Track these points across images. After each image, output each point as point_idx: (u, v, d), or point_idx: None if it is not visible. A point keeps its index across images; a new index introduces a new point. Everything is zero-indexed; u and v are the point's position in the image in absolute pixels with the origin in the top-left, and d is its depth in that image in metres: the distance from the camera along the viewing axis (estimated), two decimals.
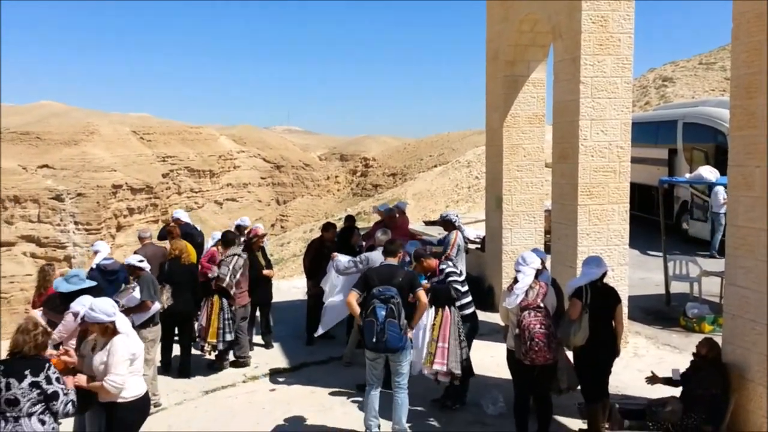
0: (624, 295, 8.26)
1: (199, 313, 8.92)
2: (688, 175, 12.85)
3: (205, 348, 8.89)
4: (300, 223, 50.81)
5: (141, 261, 7.89)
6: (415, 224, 15.92)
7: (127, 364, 5.09)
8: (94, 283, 6.83)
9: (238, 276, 8.90)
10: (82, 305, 5.55)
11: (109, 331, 5.11)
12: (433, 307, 6.89)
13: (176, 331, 9.11)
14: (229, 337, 8.76)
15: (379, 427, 6.54)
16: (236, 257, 8.98)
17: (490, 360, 8.38)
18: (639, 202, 17.19)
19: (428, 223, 13.61)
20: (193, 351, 9.11)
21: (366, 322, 6.18)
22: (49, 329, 5.30)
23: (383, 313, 6.06)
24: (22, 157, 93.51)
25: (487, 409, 7.21)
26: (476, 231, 14.19)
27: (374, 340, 6.11)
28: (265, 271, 9.89)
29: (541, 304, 5.99)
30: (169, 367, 9.10)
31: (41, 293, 7.93)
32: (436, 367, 6.77)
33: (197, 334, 8.89)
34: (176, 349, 9.12)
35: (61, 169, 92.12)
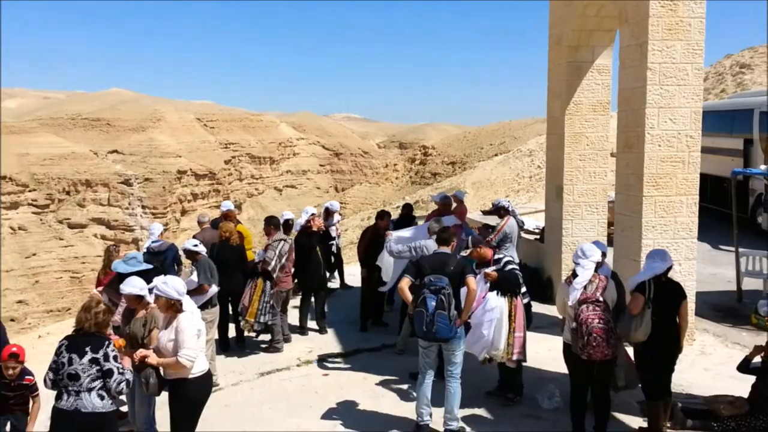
0: (691, 291, 7.93)
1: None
2: (763, 167, 12.28)
3: (243, 325, 9.06)
4: (358, 210, 50.95)
5: (196, 245, 8.09)
6: (473, 214, 15.70)
7: (196, 339, 5.21)
8: (150, 266, 7.09)
9: (283, 260, 9.08)
10: (133, 286, 5.70)
11: (174, 308, 5.22)
12: (505, 297, 6.74)
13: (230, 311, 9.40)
14: (263, 319, 8.93)
15: (430, 415, 6.48)
16: (282, 242, 9.14)
17: (547, 353, 8.19)
18: (711, 194, 16.53)
19: (486, 213, 13.39)
20: (246, 333, 9.31)
21: (416, 311, 6.14)
22: (112, 308, 5.44)
23: (433, 303, 6.00)
24: (93, 143, 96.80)
25: (543, 403, 7.05)
26: (536, 221, 13.92)
27: (424, 329, 6.08)
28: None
29: (601, 298, 5.80)
30: (227, 346, 9.34)
31: (107, 273, 8.28)
32: (515, 357, 6.70)
33: (239, 312, 9.07)
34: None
35: (130, 154, 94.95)
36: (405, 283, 6.34)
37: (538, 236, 12.41)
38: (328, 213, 12.54)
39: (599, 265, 6.10)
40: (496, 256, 7.05)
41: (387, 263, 9.07)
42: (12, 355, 5.67)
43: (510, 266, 6.91)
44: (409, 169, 64.79)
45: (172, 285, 5.21)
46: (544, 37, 11.27)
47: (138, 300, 5.75)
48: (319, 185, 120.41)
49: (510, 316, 6.70)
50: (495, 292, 6.75)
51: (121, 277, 6.71)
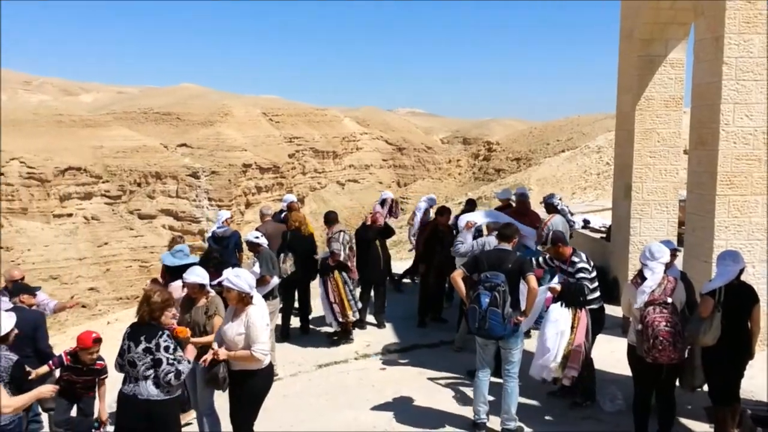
0: (764, 295, 7.57)
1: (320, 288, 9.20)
2: None
3: (347, 321, 9.12)
4: None
5: (258, 237, 8.22)
6: (536, 210, 15.40)
7: (267, 333, 5.27)
8: (196, 259, 7.21)
9: (347, 250, 9.14)
10: (196, 275, 5.84)
11: (243, 301, 5.24)
12: (568, 309, 6.56)
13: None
14: (359, 306, 9.15)
15: (487, 414, 6.42)
16: (342, 233, 9.21)
17: (610, 355, 7.97)
18: None
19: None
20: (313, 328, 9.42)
21: (470, 308, 6.11)
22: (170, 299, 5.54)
23: (486, 300, 5.95)
24: (164, 136, 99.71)
25: (604, 405, 6.87)
26: (603, 219, 13.57)
27: (477, 326, 6.04)
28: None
29: (669, 300, 5.58)
30: (287, 335, 9.50)
31: None
32: (569, 372, 6.49)
33: (333, 317, 9.08)
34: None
35: (198, 148, 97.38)
36: (458, 274, 6.34)
37: (604, 235, 12.09)
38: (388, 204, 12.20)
39: (668, 266, 5.89)
40: (573, 258, 6.84)
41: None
42: (97, 340, 5.76)
43: (582, 274, 6.70)
44: (473, 165, 64.13)
45: (244, 278, 5.21)
46: (614, 30, 10.95)
47: (200, 289, 5.87)
48: (381, 180, 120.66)
49: (572, 327, 6.51)
50: (559, 303, 6.58)
51: (169, 269, 6.98)
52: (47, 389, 4.94)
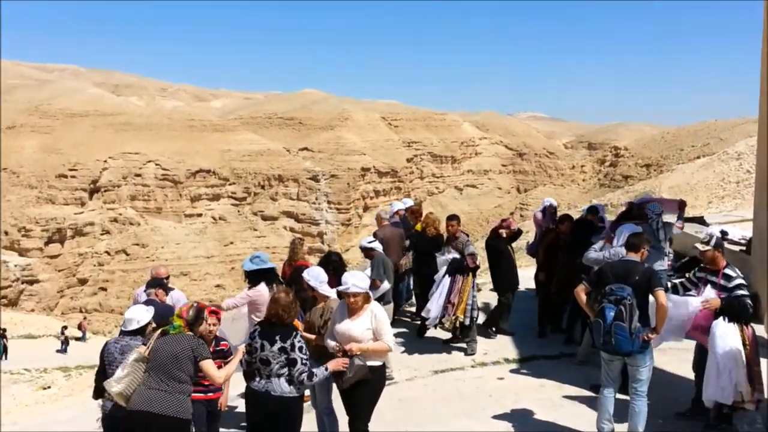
0: None
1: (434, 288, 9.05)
2: None
3: (447, 321, 8.84)
4: None
5: (371, 242, 8.45)
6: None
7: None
8: (273, 265, 7.45)
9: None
10: (314, 278, 5.93)
11: (366, 300, 5.45)
12: (734, 324, 6.01)
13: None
14: (473, 315, 8.86)
15: (612, 431, 6.00)
16: (468, 238, 9.14)
17: None
18: None
19: (686, 220, 12.14)
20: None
21: (594, 321, 5.86)
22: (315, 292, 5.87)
23: (612, 314, 5.64)
24: (287, 140, 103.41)
25: (742, 429, 6.25)
26: (742, 231, 12.53)
27: (601, 341, 5.77)
28: None
29: None
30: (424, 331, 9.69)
31: (291, 264, 8.61)
32: (758, 395, 5.97)
33: (441, 313, 8.84)
34: None
35: (318, 151, 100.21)
36: (581, 289, 6.12)
37: (744, 247, 11.16)
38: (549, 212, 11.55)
39: None
40: (727, 271, 6.25)
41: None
42: (213, 311, 5.85)
43: (741, 291, 6.09)
44: (598, 171, 61.96)
45: (361, 278, 5.43)
46: (757, 31, 10.04)
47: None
48: (500, 185, 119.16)
49: (746, 347, 5.95)
50: (722, 317, 6.03)
51: (246, 274, 7.24)
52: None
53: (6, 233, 79.44)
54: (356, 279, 5.40)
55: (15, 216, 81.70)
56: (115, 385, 4.92)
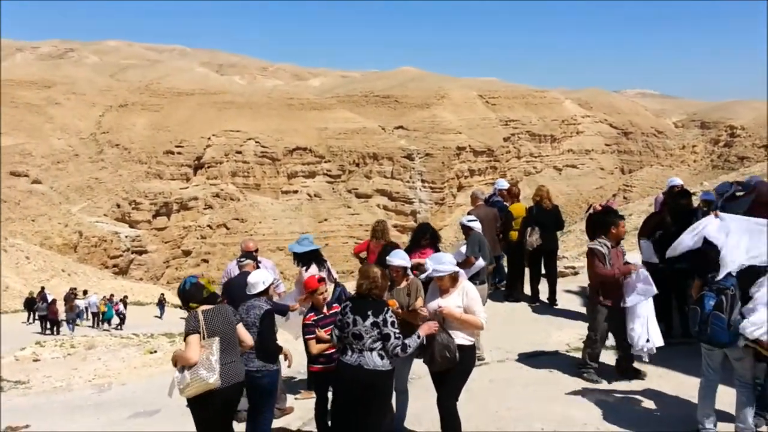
0: None
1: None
2: None
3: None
4: (645, 195, 47.31)
5: (471, 221, 8.35)
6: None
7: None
8: (318, 247, 7.73)
9: None
10: (401, 258, 6.09)
11: (455, 279, 5.56)
12: None
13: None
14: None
15: (715, 424, 5.70)
16: None
17: None
18: None
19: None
20: None
21: (691, 308, 5.63)
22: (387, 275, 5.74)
23: (711, 303, 5.41)
24: (382, 119, 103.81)
25: None
26: None
27: (697, 330, 5.52)
28: None
29: None
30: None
31: (379, 242, 8.46)
32: None
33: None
34: None
35: (414, 130, 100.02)
36: (697, 285, 5.76)
37: None
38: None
39: None
40: None
41: None
42: (321, 279, 6.17)
43: None
44: (711, 152, 58.79)
45: (446, 261, 5.51)
46: None
47: (403, 271, 6.11)
48: (603, 166, 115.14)
49: None
50: None
51: (296, 255, 7.55)
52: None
53: (118, 206, 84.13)
54: (438, 262, 5.50)
55: (126, 190, 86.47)
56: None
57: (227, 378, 5.11)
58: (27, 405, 11.06)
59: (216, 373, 5.01)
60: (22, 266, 42.34)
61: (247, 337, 5.48)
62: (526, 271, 10.63)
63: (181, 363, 5.06)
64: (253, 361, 5.65)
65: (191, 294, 5.24)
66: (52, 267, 45.41)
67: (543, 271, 10.36)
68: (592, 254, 7.04)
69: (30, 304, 28.45)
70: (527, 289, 10.66)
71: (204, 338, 5.08)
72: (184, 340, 5.11)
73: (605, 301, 7.02)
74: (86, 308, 30.26)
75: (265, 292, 5.95)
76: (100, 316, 29.54)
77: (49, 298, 27.03)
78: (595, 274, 7.00)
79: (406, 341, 5.07)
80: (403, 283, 6.06)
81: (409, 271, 6.16)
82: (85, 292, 33.13)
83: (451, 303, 5.43)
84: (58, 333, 25.20)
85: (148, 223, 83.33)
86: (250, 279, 5.96)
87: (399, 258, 6.07)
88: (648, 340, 6.79)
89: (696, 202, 9.31)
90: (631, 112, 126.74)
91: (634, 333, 6.82)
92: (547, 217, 9.77)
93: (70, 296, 28.58)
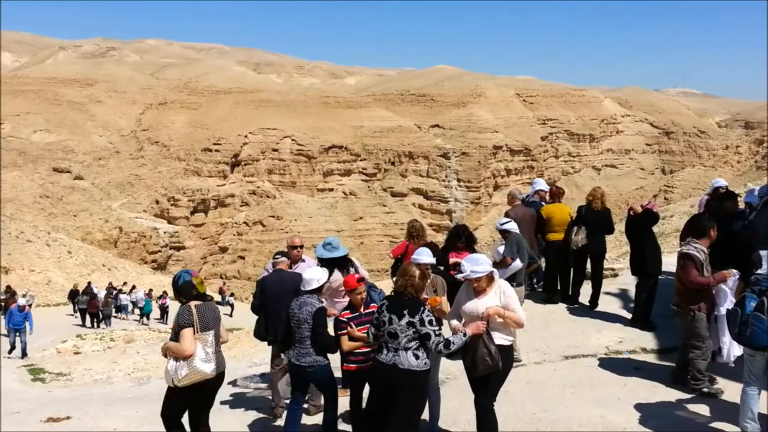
0: None
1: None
2: None
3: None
4: (687, 195, 46.25)
5: (506, 223, 8.28)
6: None
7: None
8: (346, 251, 7.65)
9: None
10: (428, 256, 6.21)
11: (490, 280, 5.54)
12: None
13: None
14: None
15: (758, 431, 5.57)
16: None
17: None
18: None
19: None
20: None
21: (732, 309, 5.61)
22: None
23: (752, 304, 5.36)
24: (418, 117, 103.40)
25: None
26: None
27: (737, 331, 5.48)
28: None
29: None
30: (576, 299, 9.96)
31: (414, 242, 8.42)
32: None
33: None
34: None
35: (450, 129, 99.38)
36: (739, 289, 6.00)
37: None
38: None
39: None
40: None
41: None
42: (360, 279, 6.19)
43: None
44: (755, 153, 57.19)
45: (482, 262, 5.50)
46: None
47: (430, 269, 6.24)
48: (643, 166, 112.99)
49: None
50: None
51: (321, 261, 7.49)
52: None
53: (157, 202, 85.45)
54: (475, 263, 5.46)
55: (165, 186, 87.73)
56: None
57: (218, 367, 5.60)
58: (68, 396, 11.32)
59: (213, 363, 5.51)
60: (64, 260, 43.29)
61: (225, 333, 5.90)
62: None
63: (174, 354, 5.45)
64: (305, 356, 5.92)
65: (181, 290, 5.65)
66: (93, 262, 46.37)
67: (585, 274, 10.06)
68: (689, 260, 6.60)
69: (73, 296, 29.19)
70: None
71: (197, 332, 5.46)
72: (177, 332, 5.47)
73: (702, 308, 6.64)
74: (134, 303, 31.10)
75: (318, 290, 6.15)
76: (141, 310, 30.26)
77: (98, 293, 27.75)
78: (691, 281, 6.56)
79: (450, 338, 5.11)
80: (428, 281, 6.01)
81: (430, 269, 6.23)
82: (133, 288, 33.88)
83: (490, 303, 5.41)
84: (98, 326, 25.79)
85: (186, 219, 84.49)
86: (306, 276, 6.18)
87: (425, 256, 6.17)
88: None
89: (741, 204, 9.07)
90: (672, 112, 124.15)
91: (724, 343, 6.46)
92: (595, 219, 9.50)
93: (110, 292, 29.32)
